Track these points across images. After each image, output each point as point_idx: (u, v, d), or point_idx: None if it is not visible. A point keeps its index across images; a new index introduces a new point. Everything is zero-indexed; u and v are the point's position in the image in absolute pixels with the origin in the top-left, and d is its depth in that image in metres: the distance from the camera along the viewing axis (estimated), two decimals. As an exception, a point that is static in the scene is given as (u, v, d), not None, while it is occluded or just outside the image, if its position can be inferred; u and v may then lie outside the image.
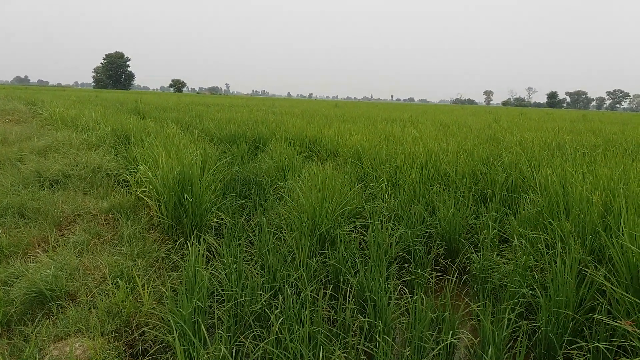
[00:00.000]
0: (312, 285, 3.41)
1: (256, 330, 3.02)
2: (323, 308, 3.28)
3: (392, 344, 3.00)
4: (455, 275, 4.21)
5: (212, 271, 3.57)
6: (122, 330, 3.02)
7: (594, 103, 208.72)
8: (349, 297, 3.38)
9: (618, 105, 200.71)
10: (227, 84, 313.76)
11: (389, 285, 3.41)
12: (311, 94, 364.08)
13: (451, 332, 3.00)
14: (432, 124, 14.86)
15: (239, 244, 4.15)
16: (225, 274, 3.45)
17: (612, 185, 4.62)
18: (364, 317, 3.18)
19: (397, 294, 3.67)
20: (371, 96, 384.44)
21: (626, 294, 2.85)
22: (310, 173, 5.72)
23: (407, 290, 3.61)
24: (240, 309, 3.10)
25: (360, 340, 2.91)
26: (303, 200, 4.62)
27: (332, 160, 8.17)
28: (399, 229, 4.65)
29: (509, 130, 12.61)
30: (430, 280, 4.02)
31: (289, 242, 4.09)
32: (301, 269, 3.59)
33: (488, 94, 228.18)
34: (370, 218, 4.84)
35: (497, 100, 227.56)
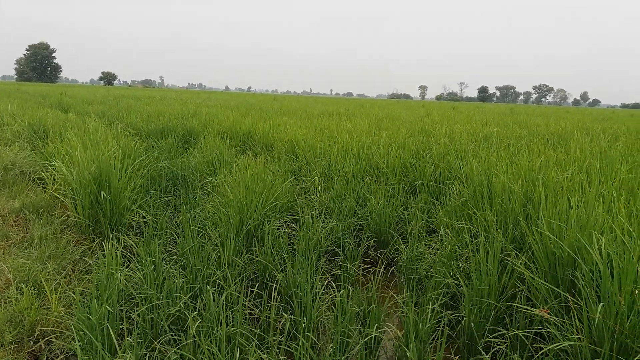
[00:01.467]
0: (236, 284, 3.29)
1: (173, 334, 2.86)
2: (246, 307, 3.18)
3: (315, 341, 2.95)
4: (383, 266, 4.23)
5: (129, 273, 3.36)
6: (25, 341, 2.77)
7: (521, 97, 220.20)
8: (275, 294, 3.29)
9: (543, 99, 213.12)
10: (161, 77, 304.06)
11: (316, 280, 3.35)
12: (250, 87, 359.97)
13: (376, 325, 2.98)
14: (367, 118, 15.03)
15: (161, 243, 3.95)
16: (143, 276, 3.25)
17: (533, 175, 4.80)
18: (290, 314, 3.11)
19: (325, 289, 3.62)
20: (311, 90, 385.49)
21: (543, 282, 2.94)
22: (240, 168, 5.57)
23: (334, 285, 3.56)
24: (156, 313, 2.92)
25: (282, 339, 2.83)
26: (231, 195, 4.48)
27: (266, 154, 8.03)
28: (330, 222, 4.61)
29: (439, 123, 12.97)
30: (359, 273, 4.00)
31: (214, 240, 3.94)
32: (226, 268, 3.45)
33: (423, 88, 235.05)
34: (302, 212, 4.77)
35: (431, 94, 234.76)
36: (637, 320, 2.25)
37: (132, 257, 3.96)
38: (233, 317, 2.85)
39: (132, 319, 3.03)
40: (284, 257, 3.82)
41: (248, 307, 3.27)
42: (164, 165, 6.70)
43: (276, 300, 3.22)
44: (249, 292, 3.56)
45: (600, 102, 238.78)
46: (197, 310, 2.95)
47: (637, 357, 2.17)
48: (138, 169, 5.71)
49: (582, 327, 2.43)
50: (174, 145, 8.31)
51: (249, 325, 3.00)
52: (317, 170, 6.30)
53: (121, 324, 2.89)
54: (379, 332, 3.00)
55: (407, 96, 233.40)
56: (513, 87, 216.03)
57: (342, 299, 3.04)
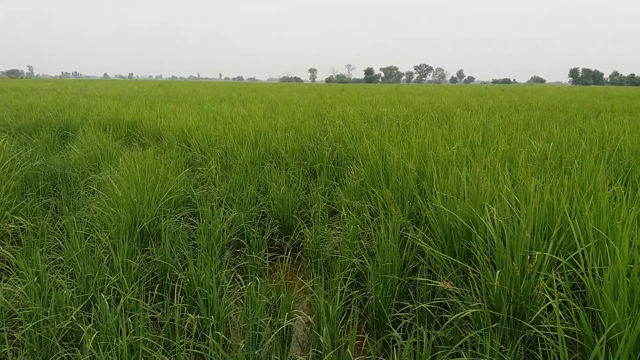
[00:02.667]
0: (133, 288, 3.04)
1: (67, 351, 2.57)
2: (148, 312, 2.96)
3: (225, 339, 2.83)
4: (289, 253, 4.19)
5: (9, 288, 2.96)
6: None
7: (404, 77, 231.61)
8: (178, 295, 3.10)
9: (424, 78, 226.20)
10: (29, 66, 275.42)
11: (222, 275, 3.21)
12: (131, 74, 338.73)
13: (287, 314, 2.93)
14: (261, 102, 14.85)
15: (43, 251, 3.54)
16: (25, 289, 2.89)
17: (424, 151, 5.03)
18: (196, 314, 2.94)
19: (232, 283, 3.50)
20: (198, 75, 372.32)
21: (441, 254, 3.08)
22: (127, 161, 5.17)
23: (240, 278, 3.45)
24: (44, 329, 2.61)
25: (190, 341, 2.68)
26: (119, 192, 4.13)
27: (155, 145, 7.58)
28: (231, 212, 4.46)
29: (332, 105, 13.17)
30: (265, 262, 3.92)
31: (104, 243, 3.61)
32: (120, 272, 3.18)
33: (312, 71, 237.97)
34: (200, 204, 4.56)
35: (321, 77, 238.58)
36: (529, 283, 2.42)
37: (11, 269, 3.52)
38: (134, 325, 2.63)
39: (17, 340, 2.69)
40: (184, 254, 3.62)
41: (150, 311, 3.05)
42: (40, 163, 6.04)
43: (180, 301, 3.04)
44: (150, 295, 3.32)
45: (474, 78, 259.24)
46: (92, 321, 2.68)
47: (531, 318, 2.34)
48: (9, 170, 5.08)
49: (481, 295, 2.57)
50: (49, 141, 7.54)
51: (153, 331, 2.80)
52: (214, 159, 6.07)
53: (3, 347, 2.54)
54: (291, 321, 2.96)
55: (297, 79, 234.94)
56: (396, 68, 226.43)
57: (251, 291, 2.94)
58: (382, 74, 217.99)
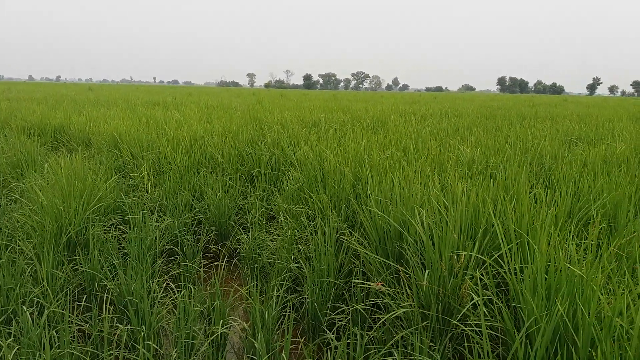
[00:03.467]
0: (59, 300, 2.88)
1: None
2: (74, 323, 2.82)
3: (157, 349, 2.75)
4: (225, 260, 4.13)
5: None
6: None
7: (342, 84, 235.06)
8: (107, 305, 2.97)
9: (361, 85, 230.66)
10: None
11: (153, 284, 3.11)
12: (59, 76, 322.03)
13: (222, 321, 2.88)
14: (197, 107, 14.56)
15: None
16: None
17: (360, 156, 5.13)
18: (127, 324, 2.84)
19: (164, 292, 3.40)
20: (131, 78, 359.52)
21: (375, 256, 3.15)
22: (53, 167, 4.91)
23: (173, 286, 3.36)
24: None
25: (120, 353, 2.58)
26: (44, 200, 3.91)
27: (84, 150, 7.25)
28: (165, 219, 4.34)
29: (270, 110, 13.15)
30: (200, 270, 3.84)
31: (27, 253, 3.40)
32: (45, 283, 3.00)
33: (251, 76, 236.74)
34: (132, 212, 4.40)
35: (259, 82, 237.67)
36: (456, 282, 2.53)
37: None
38: (59, 337, 2.50)
39: None
40: (114, 264, 3.48)
41: (76, 323, 2.90)
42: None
43: (109, 312, 2.92)
44: (77, 306, 3.16)
45: (409, 86, 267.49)
46: (12, 336, 2.52)
47: (458, 315, 2.45)
48: None
49: (412, 294, 2.66)
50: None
51: (80, 343, 2.67)
52: (146, 165, 5.88)
53: None
54: (225, 328, 2.91)
55: (236, 84, 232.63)
56: (334, 75, 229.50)
57: (184, 299, 2.87)
58: (321, 80, 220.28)
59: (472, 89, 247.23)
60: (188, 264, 3.76)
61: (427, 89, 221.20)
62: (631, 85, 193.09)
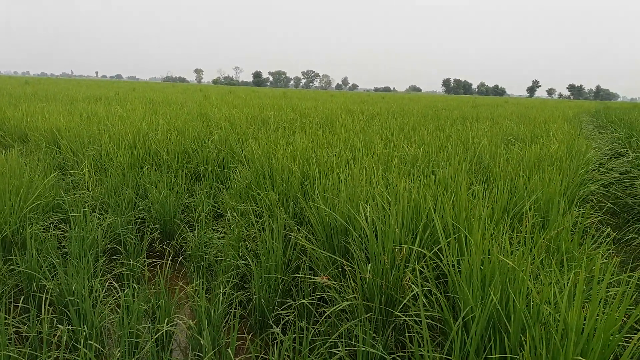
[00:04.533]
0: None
1: None
2: (11, 325, 2.71)
3: (100, 348, 2.68)
4: (170, 258, 4.07)
5: None
6: None
7: (292, 82, 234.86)
8: (46, 306, 2.87)
9: (311, 84, 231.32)
10: None
11: (95, 283, 3.03)
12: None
13: (167, 319, 2.85)
14: (142, 102, 14.17)
15: None
16: None
17: (308, 154, 5.18)
18: (67, 324, 2.75)
19: (107, 291, 3.32)
20: (72, 72, 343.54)
21: (322, 251, 3.21)
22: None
23: (117, 285, 3.28)
24: None
25: (60, 354, 2.50)
26: (-25, 198, 3.71)
27: (20, 146, 6.91)
28: (107, 218, 4.21)
29: (218, 107, 12.98)
30: (144, 268, 3.77)
31: (-44, 254, 3.23)
32: (-24, 285, 2.86)
33: (199, 72, 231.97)
34: (72, 210, 4.25)
35: (207, 78, 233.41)
36: (398, 274, 2.62)
37: None
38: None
39: None
40: (53, 263, 3.36)
41: (13, 325, 2.79)
42: None
43: (49, 312, 2.82)
44: (13, 308, 3.04)
45: (358, 86, 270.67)
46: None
47: (400, 307, 2.54)
48: None
49: (357, 287, 2.73)
50: None
51: (17, 345, 2.57)
52: (87, 161, 5.68)
53: None
54: (171, 326, 2.88)
55: (183, 80, 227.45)
56: (285, 73, 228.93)
57: (127, 298, 2.82)
58: (271, 78, 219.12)
59: (418, 89, 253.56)
60: (132, 262, 3.68)
61: (376, 89, 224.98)
62: (567, 88, 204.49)
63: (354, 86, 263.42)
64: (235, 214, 4.28)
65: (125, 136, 6.47)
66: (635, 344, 2.28)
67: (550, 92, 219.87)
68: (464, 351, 2.17)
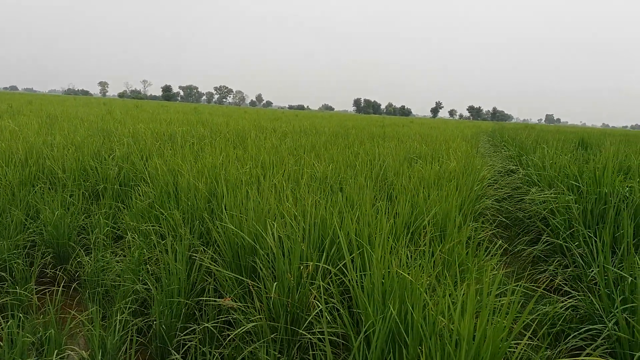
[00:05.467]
0: None
1: None
2: None
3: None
4: (63, 284, 3.77)
5: None
6: None
7: (204, 97, 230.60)
8: None
9: (224, 100, 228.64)
10: None
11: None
12: None
13: (56, 351, 2.62)
14: (37, 116, 13.16)
15: None
16: None
17: (216, 171, 5.07)
18: None
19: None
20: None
21: (228, 272, 3.13)
22: None
23: (-2, 317, 2.97)
24: None
25: None
26: None
27: None
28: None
29: (122, 122, 12.39)
30: (32, 296, 3.45)
31: None
32: None
33: (103, 85, 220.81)
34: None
35: (113, 92, 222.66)
36: (304, 291, 2.63)
37: None
38: None
39: None
40: None
41: None
42: None
43: None
44: None
45: (272, 103, 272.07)
46: None
47: (305, 325, 2.54)
48: None
49: (263, 308, 2.69)
50: None
51: None
52: (-31, 180, 5.14)
53: None
54: (61, 358, 2.66)
55: (86, 92, 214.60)
56: (196, 87, 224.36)
57: (11, 330, 2.57)
58: (182, 93, 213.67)
59: (331, 108, 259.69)
60: (18, 290, 3.36)
61: (290, 107, 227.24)
62: (467, 109, 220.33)
63: (269, 103, 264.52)
64: (136, 235, 4.07)
65: (16, 152, 5.95)
66: (522, 348, 2.46)
67: (452, 113, 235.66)
68: (366, 366, 2.21)
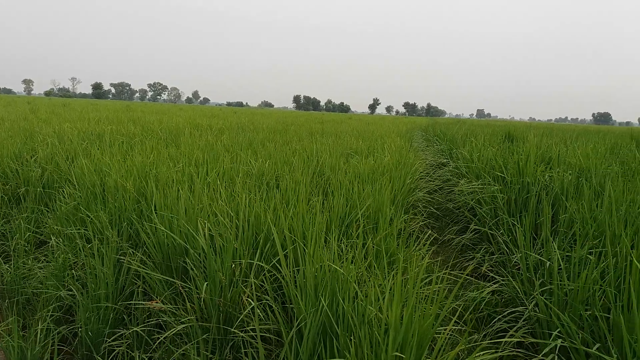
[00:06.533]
0: None
1: None
2: None
3: None
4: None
5: None
6: None
7: (137, 94, 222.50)
8: None
9: (159, 97, 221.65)
10: None
11: None
12: None
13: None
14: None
15: None
16: None
17: (147, 170, 4.90)
18: None
19: None
20: None
21: (157, 274, 3.04)
22: None
23: None
24: None
25: None
26: None
27: None
28: None
29: (47, 121, 11.73)
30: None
31: None
32: None
33: (28, 83, 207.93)
34: None
35: (39, 90, 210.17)
36: (236, 291, 2.60)
37: None
38: None
39: None
40: None
41: None
42: None
43: None
44: None
45: (210, 100, 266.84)
46: None
47: (238, 323, 2.52)
48: None
49: (194, 308, 2.64)
50: None
51: None
52: None
53: None
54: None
55: (8, 91, 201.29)
56: (129, 85, 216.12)
57: None
58: (113, 90, 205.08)
59: (270, 105, 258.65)
60: None
61: (229, 104, 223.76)
62: (403, 105, 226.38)
63: (206, 100, 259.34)
64: (61, 240, 3.87)
65: None
66: (449, 333, 2.56)
67: (389, 109, 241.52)
68: (298, 359, 2.22)
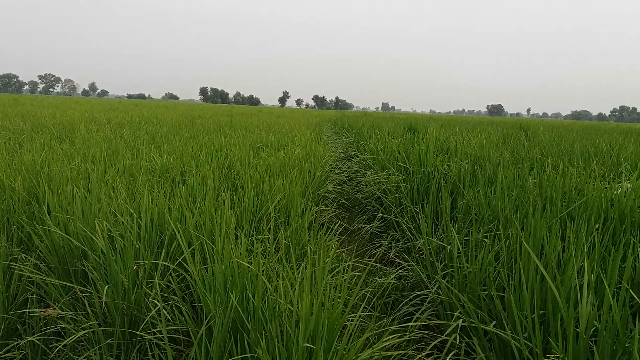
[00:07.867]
0: None
1: None
2: None
3: None
4: None
5: None
6: None
7: (27, 87, 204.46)
8: None
9: (52, 90, 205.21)
10: None
11: None
12: None
13: None
14: None
15: None
16: None
17: (37, 169, 4.52)
18: None
19: None
20: None
21: (53, 280, 2.82)
22: None
23: None
24: None
25: None
26: None
27: None
28: None
29: None
30: None
31: None
32: None
33: None
34: None
35: None
36: (140, 293, 2.48)
37: None
38: None
39: None
40: None
41: None
42: None
43: None
44: None
45: (108, 92, 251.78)
46: None
47: (143, 326, 2.40)
48: None
49: (96, 313, 2.48)
50: None
51: None
52: None
53: None
54: None
55: None
56: (16, 76, 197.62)
57: None
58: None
59: (175, 97, 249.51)
60: None
61: (130, 96, 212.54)
62: (312, 98, 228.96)
63: (104, 92, 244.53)
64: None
65: None
66: (358, 319, 2.63)
67: (298, 102, 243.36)
68: (208, 358, 2.17)
